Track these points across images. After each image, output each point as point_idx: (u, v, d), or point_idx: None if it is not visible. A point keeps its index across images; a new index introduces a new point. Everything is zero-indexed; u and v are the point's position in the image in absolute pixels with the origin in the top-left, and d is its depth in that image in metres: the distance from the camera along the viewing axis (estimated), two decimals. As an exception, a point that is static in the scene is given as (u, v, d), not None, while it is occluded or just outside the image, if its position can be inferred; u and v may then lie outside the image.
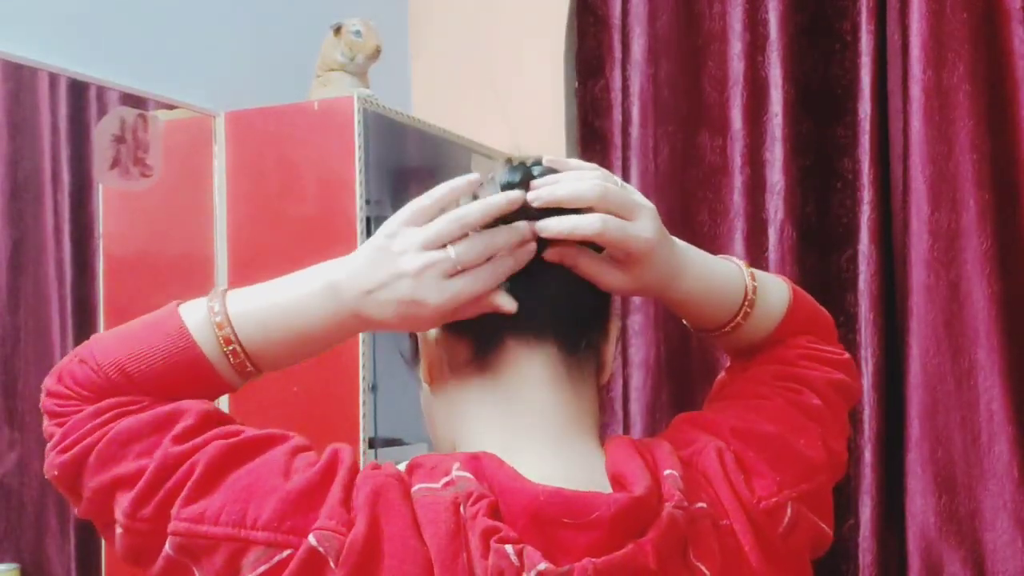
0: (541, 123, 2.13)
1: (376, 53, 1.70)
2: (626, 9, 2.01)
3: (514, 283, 0.72)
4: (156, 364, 0.71)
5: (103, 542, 1.55)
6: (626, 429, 1.97)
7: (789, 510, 0.74)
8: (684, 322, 0.88)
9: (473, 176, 0.73)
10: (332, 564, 0.63)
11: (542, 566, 0.63)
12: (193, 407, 0.71)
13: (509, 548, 0.63)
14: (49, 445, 0.71)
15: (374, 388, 1.57)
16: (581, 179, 0.72)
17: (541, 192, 0.71)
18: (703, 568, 0.68)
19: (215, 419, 0.71)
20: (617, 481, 0.70)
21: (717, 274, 0.82)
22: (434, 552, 0.64)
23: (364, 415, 1.51)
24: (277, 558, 0.64)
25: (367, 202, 1.54)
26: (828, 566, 1.79)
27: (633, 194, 0.75)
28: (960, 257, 1.70)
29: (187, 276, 1.66)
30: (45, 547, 1.50)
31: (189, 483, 0.67)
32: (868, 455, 1.75)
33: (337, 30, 1.68)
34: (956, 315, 1.71)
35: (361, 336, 1.52)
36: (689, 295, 0.80)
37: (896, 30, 1.78)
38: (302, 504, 0.65)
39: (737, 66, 1.90)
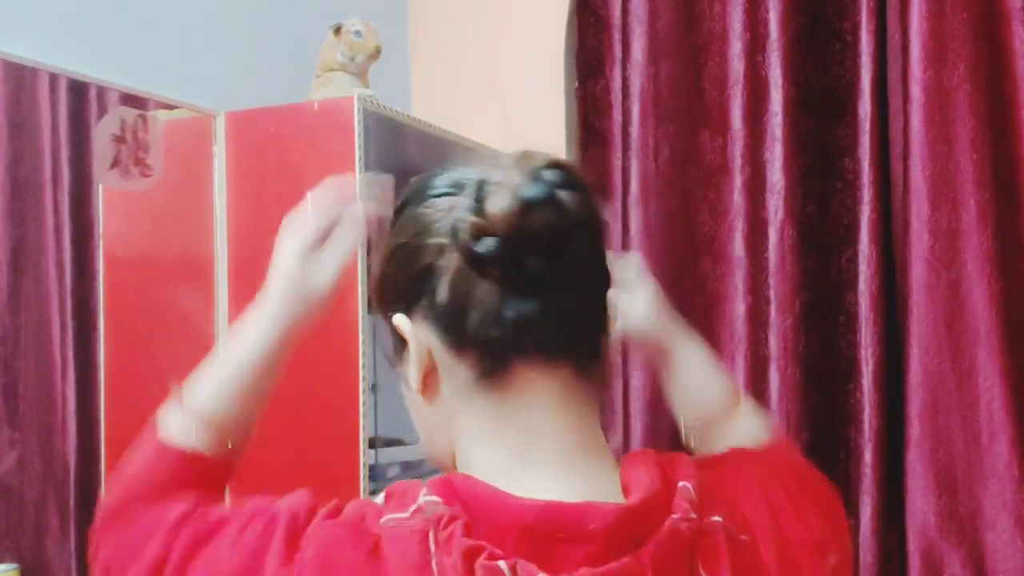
0: (541, 123, 2.13)
1: (376, 53, 1.69)
2: (626, 9, 2.01)
3: (523, 299, 0.67)
4: (150, 479, 0.80)
5: (103, 542, 1.55)
6: (626, 429, 1.97)
7: (833, 555, 0.74)
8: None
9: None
10: None
11: None
12: (178, 504, 0.76)
13: (503, 564, 0.61)
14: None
15: (374, 388, 1.56)
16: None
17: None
18: None
19: (197, 510, 0.76)
20: (625, 492, 0.68)
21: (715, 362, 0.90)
22: None
23: (364, 415, 1.51)
24: None
25: (367, 202, 1.54)
26: (828, 566, 1.79)
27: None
28: (960, 257, 1.70)
29: (187, 276, 1.66)
30: (45, 547, 1.50)
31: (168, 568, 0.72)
32: (868, 455, 1.75)
33: (337, 30, 1.68)
34: (956, 315, 1.71)
35: (361, 336, 1.52)
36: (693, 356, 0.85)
37: (896, 30, 1.79)
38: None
39: (737, 66, 1.90)
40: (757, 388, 1.86)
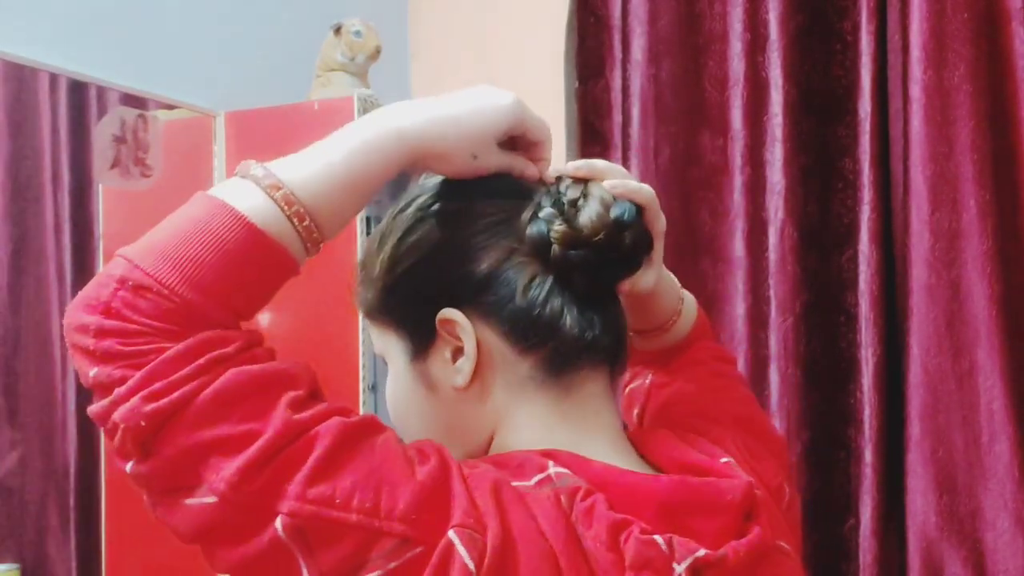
0: (541, 123, 2.13)
1: (376, 53, 1.70)
2: (626, 9, 2.01)
3: (589, 312, 0.72)
4: (226, 267, 0.63)
5: (103, 542, 1.55)
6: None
7: (787, 489, 0.80)
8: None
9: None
10: (471, 566, 0.59)
11: (701, 552, 0.64)
12: (302, 373, 0.67)
13: (659, 538, 0.64)
14: (121, 390, 0.60)
15: (374, 388, 1.57)
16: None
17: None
18: (784, 545, 0.73)
19: (319, 390, 0.68)
20: (687, 468, 0.72)
21: (666, 271, 0.88)
22: (557, 548, 0.62)
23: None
24: (410, 554, 0.60)
25: (367, 202, 1.54)
26: (828, 566, 1.79)
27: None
28: (960, 257, 1.70)
29: (187, 276, 1.66)
30: (45, 547, 1.50)
31: (312, 459, 0.60)
32: (868, 455, 1.75)
33: (337, 30, 1.68)
34: (957, 315, 1.70)
35: (361, 336, 1.52)
36: (658, 286, 0.83)
37: (896, 30, 1.78)
38: (435, 499, 0.61)
39: (737, 66, 1.90)
40: (757, 388, 1.86)
